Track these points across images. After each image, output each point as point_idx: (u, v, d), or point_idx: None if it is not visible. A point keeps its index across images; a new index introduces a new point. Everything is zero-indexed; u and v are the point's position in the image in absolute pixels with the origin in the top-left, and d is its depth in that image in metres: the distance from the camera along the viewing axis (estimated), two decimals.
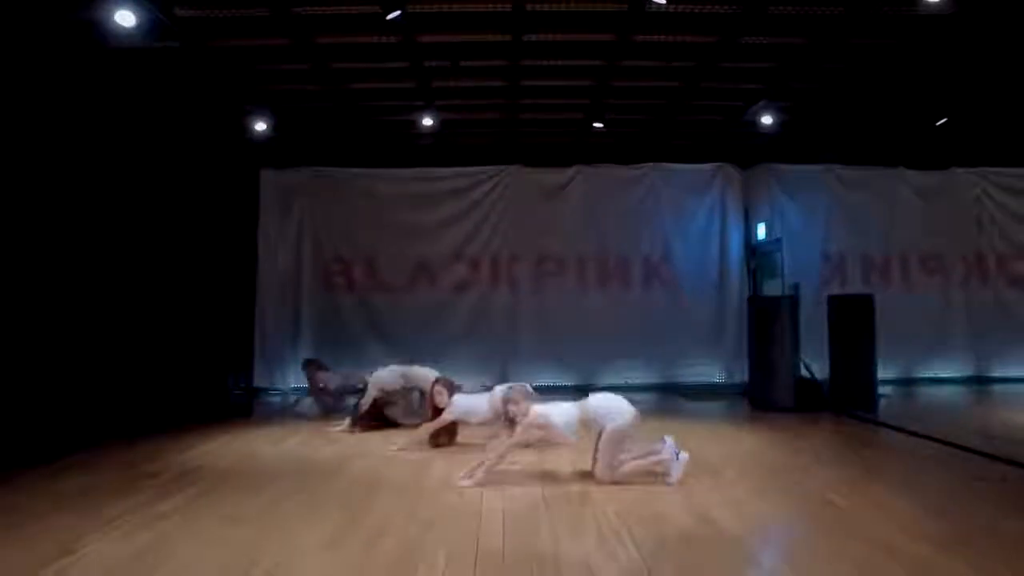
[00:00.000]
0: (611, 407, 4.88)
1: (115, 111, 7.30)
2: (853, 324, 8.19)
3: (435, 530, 3.75)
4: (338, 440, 6.54)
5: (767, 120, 7.81)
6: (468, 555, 3.32)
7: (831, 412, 7.87)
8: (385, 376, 6.98)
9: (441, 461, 5.55)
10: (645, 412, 8.21)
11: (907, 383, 10.24)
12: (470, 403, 5.99)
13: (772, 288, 9.36)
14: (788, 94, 7.82)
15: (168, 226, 8.48)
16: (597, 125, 8.18)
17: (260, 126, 7.93)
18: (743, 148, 10.43)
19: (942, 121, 8.06)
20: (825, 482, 4.95)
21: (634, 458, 4.84)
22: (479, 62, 7.03)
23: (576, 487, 4.66)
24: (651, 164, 10.55)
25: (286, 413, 8.58)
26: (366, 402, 6.89)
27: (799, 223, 10.51)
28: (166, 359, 8.31)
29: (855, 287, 10.20)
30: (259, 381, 10.13)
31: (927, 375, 10.57)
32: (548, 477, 4.96)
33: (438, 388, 6.11)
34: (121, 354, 7.54)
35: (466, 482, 4.70)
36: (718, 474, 5.00)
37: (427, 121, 7.89)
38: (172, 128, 8.25)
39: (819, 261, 10.55)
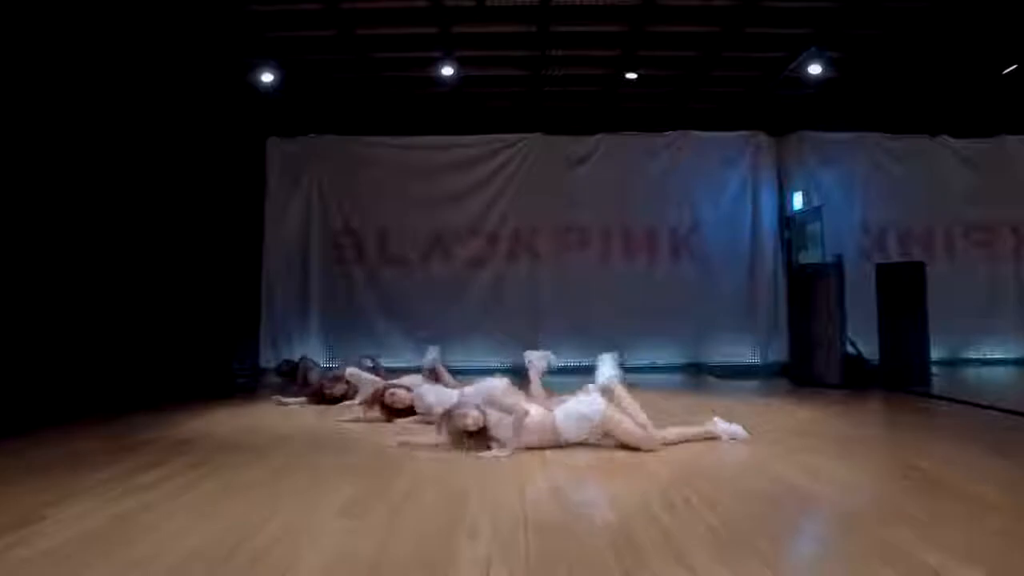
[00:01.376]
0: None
1: (112, 66, 6.74)
2: (903, 294, 7.60)
3: (472, 499, 3.16)
4: (355, 411, 5.98)
5: (815, 70, 7.14)
6: (515, 524, 2.76)
7: (881, 389, 7.33)
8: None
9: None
10: (679, 392, 7.79)
11: (953, 364, 9.58)
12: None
13: (809, 260, 8.78)
14: (841, 41, 7.10)
15: (169, 196, 7.94)
16: (630, 76, 7.56)
17: (267, 77, 7.33)
18: (776, 115, 9.83)
19: (1010, 69, 7.38)
20: (902, 448, 4.39)
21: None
22: (505, 1, 6.42)
23: (623, 453, 4.08)
24: (679, 132, 9.95)
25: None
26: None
27: (836, 194, 9.87)
28: (164, 337, 7.77)
29: (894, 260, 9.56)
30: (265, 361, 9.59)
31: (974, 356, 9.93)
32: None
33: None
34: (116, 330, 7.01)
35: (503, 452, 4.06)
36: (780, 443, 4.42)
37: (447, 71, 7.27)
38: (173, 89, 7.71)
39: (858, 233, 9.93)
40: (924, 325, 7.57)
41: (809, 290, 7.90)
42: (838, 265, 7.73)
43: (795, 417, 5.55)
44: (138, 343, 7.29)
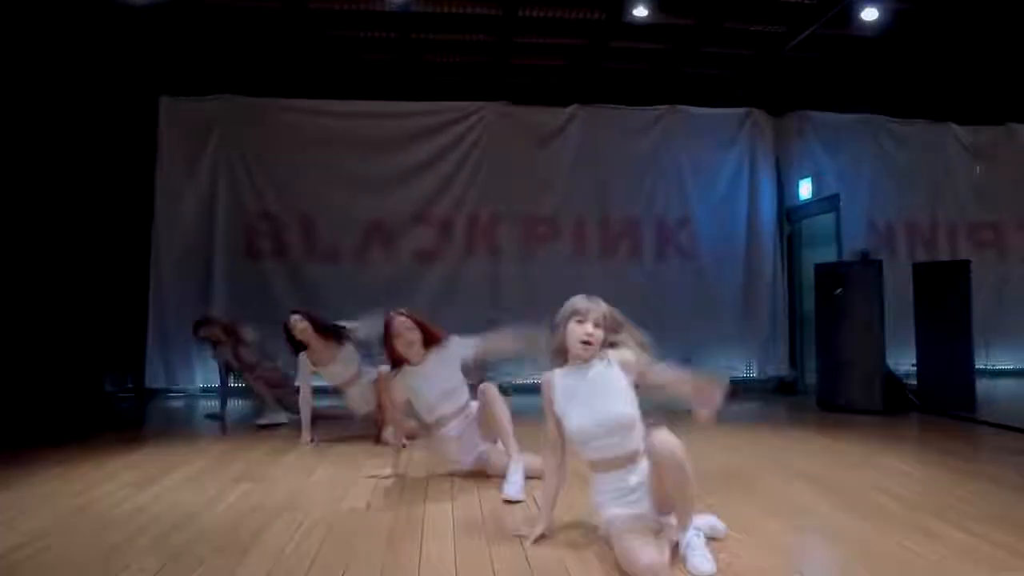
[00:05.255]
0: None
1: None
2: (945, 300, 6.38)
3: None
4: (261, 475, 4.09)
5: (870, 16, 5.72)
6: None
7: (919, 413, 6.12)
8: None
9: (440, 507, 3.26)
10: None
11: None
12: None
13: (819, 258, 7.51)
14: None
15: (22, 166, 5.87)
16: (639, 13, 5.95)
17: None
18: (776, 90, 8.50)
19: None
20: None
21: None
22: None
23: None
24: (667, 106, 8.46)
25: (197, 424, 6.18)
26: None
27: (840, 183, 8.61)
28: (9, 349, 5.70)
29: (902, 260, 8.41)
30: (153, 381, 7.53)
31: (979, 367, 8.87)
32: None
33: (409, 324, 3.96)
34: None
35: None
36: (919, 529, 2.89)
37: None
38: (21, 20, 5.63)
39: (864, 229, 8.71)
40: (968, 336, 6.38)
41: (838, 295, 6.55)
42: (876, 264, 6.41)
43: (908, 478, 4.01)
44: None
